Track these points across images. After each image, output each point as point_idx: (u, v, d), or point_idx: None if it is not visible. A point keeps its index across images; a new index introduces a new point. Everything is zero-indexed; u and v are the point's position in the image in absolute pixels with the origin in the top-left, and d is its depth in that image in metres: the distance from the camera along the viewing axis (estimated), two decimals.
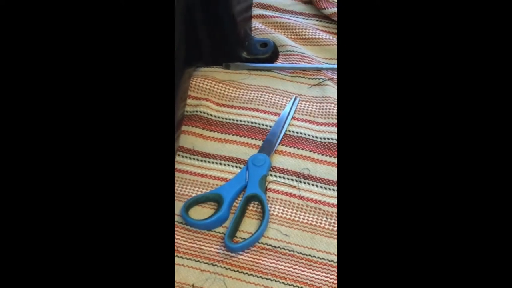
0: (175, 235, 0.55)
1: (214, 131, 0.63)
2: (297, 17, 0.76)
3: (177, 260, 0.53)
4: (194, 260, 0.53)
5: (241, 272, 0.52)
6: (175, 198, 0.57)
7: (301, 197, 0.57)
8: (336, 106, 0.64)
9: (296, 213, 0.56)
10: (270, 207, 0.56)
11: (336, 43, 0.71)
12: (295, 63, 0.69)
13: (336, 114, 0.63)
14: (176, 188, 0.58)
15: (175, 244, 0.54)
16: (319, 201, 0.57)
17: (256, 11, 0.76)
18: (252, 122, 0.64)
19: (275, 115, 0.64)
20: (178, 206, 0.56)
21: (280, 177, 0.59)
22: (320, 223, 0.55)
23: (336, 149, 0.61)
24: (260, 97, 0.66)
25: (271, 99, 0.66)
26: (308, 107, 0.65)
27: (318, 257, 0.53)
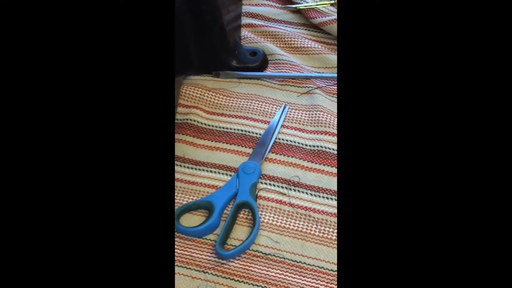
0: None
1: (205, 139, 0.64)
2: (286, 26, 0.77)
3: None
4: (185, 267, 0.53)
5: (232, 279, 0.53)
6: None
7: (291, 205, 0.58)
8: (325, 114, 0.65)
9: (286, 220, 0.57)
10: (261, 215, 0.57)
11: (325, 52, 0.72)
12: (284, 71, 0.70)
13: (325, 122, 0.64)
14: None
15: None
16: (309, 208, 0.58)
17: (245, 20, 0.77)
18: (242, 130, 0.64)
19: (265, 123, 0.65)
20: None
21: (270, 184, 0.59)
22: (310, 230, 0.56)
23: (325, 157, 0.61)
24: (250, 105, 0.67)
25: (260, 107, 0.67)
26: (297, 115, 0.66)
27: (309, 264, 0.54)
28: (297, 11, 0.78)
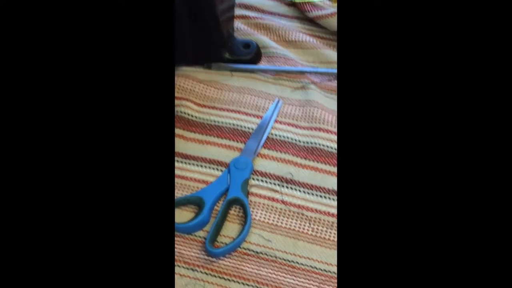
0: None
1: (195, 132, 0.62)
2: (280, 19, 0.75)
3: None
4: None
5: (222, 277, 0.51)
6: None
7: (283, 202, 0.56)
8: (319, 110, 0.63)
9: (278, 218, 0.55)
10: (252, 212, 0.55)
11: (320, 47, 0.71)
12: (278, 65, 0.68)
13: (319, 118, 0.62)
14: None
15: None
16: (302, 206, 0.56)
17: (238, 11, 0.75)
18: (234, 124, 0.63)
19: (258, 117, 0.63)
20: None
21: (262, 181, 0.58)
22: (303, 228, 0.54)
23: (319, 154, 0.60)
24: (242, 98, 0.65)
25: (253, 101, 0.65)
26: (291, 110, 0.64)
27: (301, 263, 0.52)
28: (292, 4, 0.77)
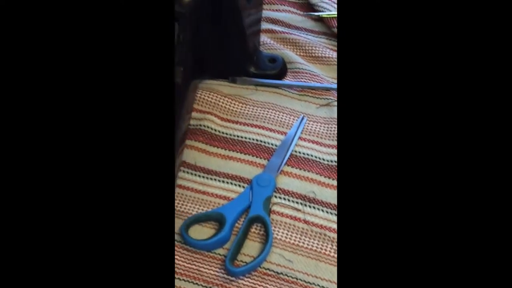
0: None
1: (218, 147, 0.61)
2: (306, 34, 0.75)
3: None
4: (192, 282, 0.51)
5: None
6: (175, 215, 0.55)
7: (306, 222, 0.55)
8: None
9: (300, 238, 0.54)
10: (274, 231, 0.54)
11: None
12: (304, 81, 0.67)
13: None
14: (176, 204, 0.56)
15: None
16: (325, 226, 0.55)
17: (265, 25, 0.74)
18: (257, 140, 0.62)
19: (282, 134, 0.62)
20: (178, 224, 0.54)
21: (285, 199, 0.57)
22: (325, 250, 0.53)
23: None
24: (267, 114, 0.64)
25: (277, 117, 0.64)
26: (315, 127, 0.63)
27: (322, 286, 0.51)
28: (319, 19, 0.76)
